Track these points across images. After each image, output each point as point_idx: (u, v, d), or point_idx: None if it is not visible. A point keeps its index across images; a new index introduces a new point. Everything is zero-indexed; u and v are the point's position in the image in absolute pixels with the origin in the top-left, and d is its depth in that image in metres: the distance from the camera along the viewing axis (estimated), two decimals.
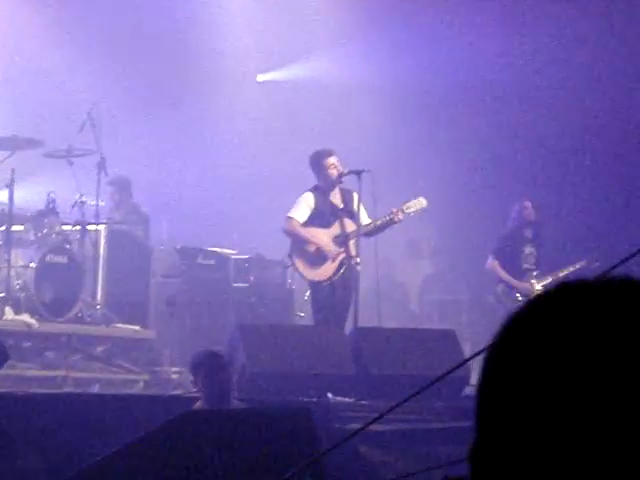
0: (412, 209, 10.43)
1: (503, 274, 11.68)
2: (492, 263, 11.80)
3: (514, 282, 11.62)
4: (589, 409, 1.06)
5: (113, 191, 12.30)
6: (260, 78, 16.17)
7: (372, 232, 10.36)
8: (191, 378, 7.55)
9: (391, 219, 10.31)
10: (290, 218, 10.31)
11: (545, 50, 14.30)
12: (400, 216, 10.31)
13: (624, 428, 1.05)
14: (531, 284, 11.65)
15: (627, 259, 3.49)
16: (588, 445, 1.05)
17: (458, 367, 4.86)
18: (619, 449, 1.05)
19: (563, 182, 14.29)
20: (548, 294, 1.16)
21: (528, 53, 14.38)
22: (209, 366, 7.35)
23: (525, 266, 11.76)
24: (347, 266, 10.29)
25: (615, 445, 1.05)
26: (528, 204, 11.88)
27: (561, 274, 11.54)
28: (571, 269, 11.67)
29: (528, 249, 11.82)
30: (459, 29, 14.55)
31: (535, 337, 1.12)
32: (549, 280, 11.48)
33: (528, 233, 11.86)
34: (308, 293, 10.81)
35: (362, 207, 10.31)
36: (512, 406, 1.10)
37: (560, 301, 1.14)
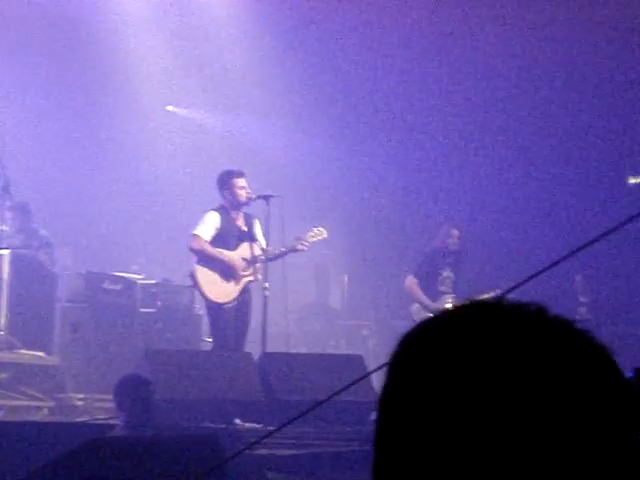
0: (314, 238, 10.51)
1: (419, 294, 11.66)
2: (411, 281, 11.74)
3: (428, 303, 11.58)
4: (474, 427, 1.07)
5: (13, 216, 12.13)
6: (170, 108, 16.15)
7: (272, 259, 10.38)
8: (115, 400, 7.60)
9: (294, 247, 10.36)
10: (196, 236, 10.18)
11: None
12: (303, 245, 10.37)
13: (509, 443, 1.06)
14: (445, 307, 11.71)
15: (531, 278, 3.59)
16: (477, 462, 1.07)
17: (347, 387, 4.89)
18: (509, 467, 1.06)
19: (482, 207, 14.43)
20: (437, 316, 1.18)
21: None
22: (132, 391, 7.40)
23: (441, 289, 11.78)
24: (248, 291, 10.29)
25: (505, 464, 1.06)
26: (455, 233, 11.81)
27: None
28: (486, 296, 11.71)
29: (446, 272, 11.82)
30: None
31: (423, 355, 1.13)
32: None
33: (449, 258, 11.85)
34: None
35: (261, 233, 10.33)
36: (405, 419, 1.11)
37: (449, 321, 1.16)
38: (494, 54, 14.14)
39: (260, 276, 10.26)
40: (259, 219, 10.38)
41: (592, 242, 3.99)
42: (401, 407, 1.12)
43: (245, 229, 10.34)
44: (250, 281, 10.27)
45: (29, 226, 12.35)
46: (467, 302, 1.19)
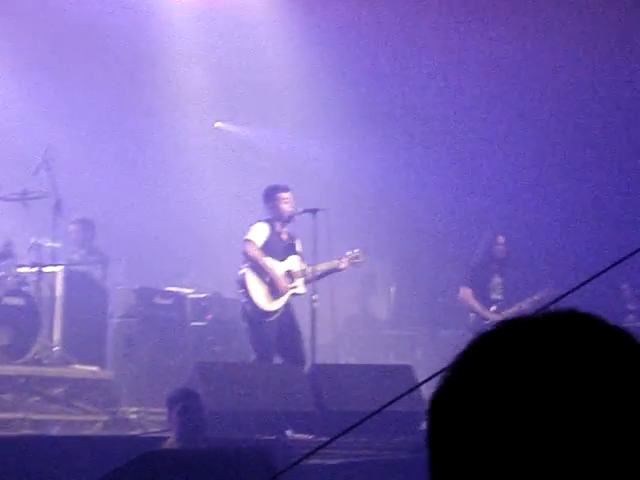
0: (354, 260, 10.80)
1: (475, 304, 11.64)
2: (465, 292, 11.74)
3: (486, 313, 11.56)
4: (527, 449, 1.09)
5: (77, 229, 12.32)
6: (218, 124, 16.30)
7: (317, 277, 10.52)
8: (166, 413, 7.73)
9: (337, 266, 10.58)
10: (251, 241, 10.37)
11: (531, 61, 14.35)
12: (344, 265, 10.62)
13: (569, 461, 1.08)
14: (500, 315, 11.70)
15: (578, 287, 3.61)
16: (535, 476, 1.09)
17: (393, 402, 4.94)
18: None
19: (530, 213, 14.40)
20: (492, 335, 1.19)
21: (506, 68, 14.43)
22: (184, 404, 7.52)
23: (493, 296, 11.76)
24: (290, 304, 10.43)
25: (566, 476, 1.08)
26: (501, 239, 11.84)
27: (523, 305, 11.54)
28: (535, 298, 11.65)
29: (496, 279, 11.81)
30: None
31: (477, 379, 1.15)
32: (514, 310, 11.45)
33: (496, 264, 11.85)
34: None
35: (301, 252, 10.50)
36: (459, 448, 1.13)
37: (499, 341, 1.17)
38: (529, 49, 14.12)
39: (304, 289, 10.42)
40: (301, 239, 10.59)
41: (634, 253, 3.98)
42: (464, 416, 1.14)
43: (291, 243, 10.56)
44: (295, 294, 10.43)
45: (91, 242, 12.51)
46: (524, 315, 1.21)
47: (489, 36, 14.06)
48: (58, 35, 14.32)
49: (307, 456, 4.05)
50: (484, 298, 11.66)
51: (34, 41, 14.34)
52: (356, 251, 10.84)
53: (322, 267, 10.54)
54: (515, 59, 14.12)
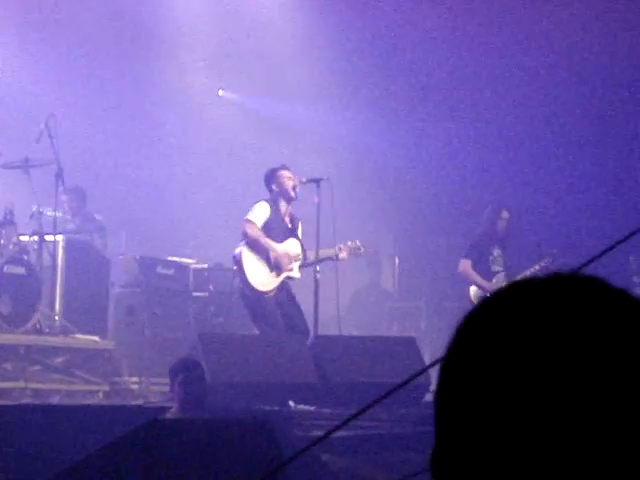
0: (355, 252, 10.73)
1: (475, 276, 11.59)
2: (465, 264, 11.69)
3: (485, 284, 11.52)
4: (539, 410, 1.06)
5: (68, 200, 12.27)
6: (221, 93, 16.18)
7: (313, 263, 10.44)
8: (169, 383, 7.73)
9: (336, 254, 10.54)
10: (251, 221, 10.26)
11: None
12: (344, 255, 10.53)
13: (577, 429, 1.05)
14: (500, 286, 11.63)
15: (594, 259, 3.53)
16: (544, 445, 1.05)
17: (420, 374, 4.89)
18: (577, 451, 1.04)
19: (532, 182, 14.34)
20: (497, 296, 1.17)
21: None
22: (186, 374, 7.52)
23: (493, 268, 11.72)
24: (286, 284, 10.34)
25: (573, 446, 1.05)
26: (505, 214, 11.77)
27: (527, 273, 11.51)
28: (537, 267, 11.62)
29: (497, 251, 11.77)
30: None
31: (484, 340, 1.12)
32: None
33: (498, 236, 11.80)
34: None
35: (301, 236, 10.44)
36: (468, 409, 1.10)
37: (509, 302, 1.14)
38: (542, 40, 14.04)
39: (298, 274, 10.34)
40: (303, 222, 10.49)
41: None
42: (467, 394, 1.11)
43: (290, 226, 10.45)
44: (290, 277, 10.35)
45: (84, 210, 12.49)
46: (522, 280, 1.18)
47: (497, 11, 13.96)
48: (61, 2, 14.21)
49: (334, 431, 3.88)
50: (484, 270, 11.62)
51: (37, 9, 14.24)
52: (357, 242, 10.74)
53: (321, 254, 10.44)
54: (524, 35, 14.01)
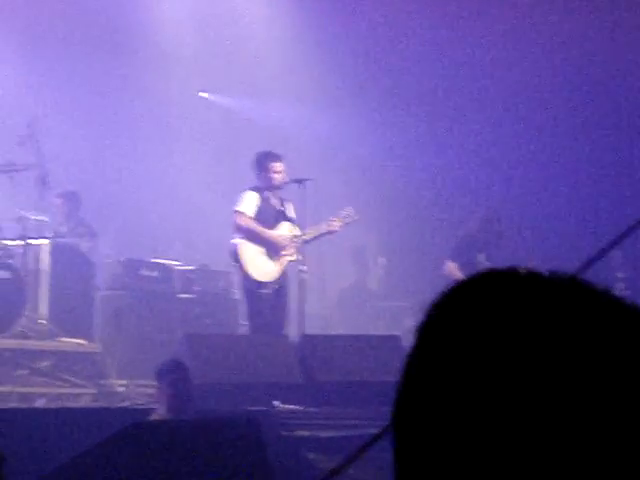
0: (345, 220, 10.53)
1: (461, 277, 11.50)
2: (450, 266, 11.68)
3: None
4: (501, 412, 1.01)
5: (61, 203, 12.25)
6: (205, 95, 16.17)
7: (309, 241, 10.42)
8: (155, 385, 7.73)
9: (328, 229, 10.38)
10: (241, 212, 10.18)
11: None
12: (336, 226, 10.40)
13: (546, 430, 0.99)
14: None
15: (589, 264, 3.51)
16: (509, 445, 1.00)
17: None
18: (548, 452, 0.99)
19: (519, 187, 14.34)
20: (465, 283, 1.12)
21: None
22: (172, 375, 7.53)
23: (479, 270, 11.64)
24: (286, 272, 10.32)
25: (543, 448, 0.99)
26: (495, 217, 11.77)
27: None
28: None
29: (482, 255, 11.72)
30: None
31: (450, 322, 1.07)
32: None
33: (486, 240, 11.77)
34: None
35: (294, 216, 10.36)
36: (427, 388, 1.05)
37: (477, 290, 1.09)
38: (528, 43, 14.06)
39: (300, 256, 10.29)
40: (293, 202, 10.41)
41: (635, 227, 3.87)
42: (423, 374, 1.06)
43: (282, 209, 10.37)
44: (291, 261, 10.30)
45: (77, 215, 12.45)
46: (494, 271, 1.12)
47: (489, 10, 13.98)
48: (45, 5, 14.19)
49: (370, 444, 3.64)
50: (469, 272, 11.53)
51: (19, 12, 14.21)
52: (348, 209, 10.60)
53: (314, 231, 10.38)
54: (513, 31, 14.03)
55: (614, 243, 3.84)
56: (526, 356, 1.01)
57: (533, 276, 1.10)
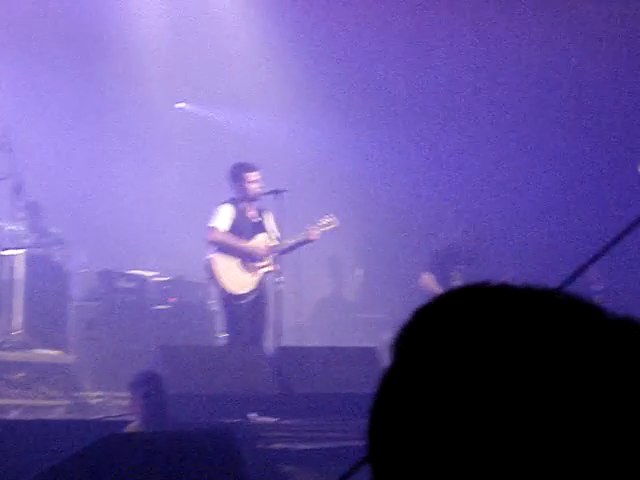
0: (326, 228, 10.46)
1: (437, 289, 11.50)
2: (427, 278, 11.64)
3: None
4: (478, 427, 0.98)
5: (25, 216, 12.19)
6: (182, 105, 16.14)
7: (287, 250, 10.38)
8: (129, 397, 7.67)
9: (307, 237, 10.33)
10: (214, 228, 10.13)
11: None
12: (315, 234, 10.33)
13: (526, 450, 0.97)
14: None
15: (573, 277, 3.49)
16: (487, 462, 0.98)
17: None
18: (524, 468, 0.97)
19: (494, 200, 14.35)
20: (442, 298, 1.09)
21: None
22: (147, 387, 7.47)
23: (455, 283, 11.67)
24: (264, 283, 10.28)
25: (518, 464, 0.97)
26: (473, 233, 11.78)
27: None
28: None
29: (460, 267, 11.70)
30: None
31: (424, 337, 1.05)
32: None
33: (464, 254, 11.77)
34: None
35: (274, 225, 10.32)
36: (402, 402, 1.02)
37: (453, 305, 1.07)
38: (512, 47, 14.10)
39: (277, 267, 10.25)
40: (271, 212, 10.39)
41: (616, 241, 3.86)
42: (398, 390, 1.03)
43: (259, 220, 10.33)
44: (268, 272, 10.27)
45: (41, 225, 12.42)
46: (469, 285, 1.09)
47: (477, 17, 14.01)
48: (19, 15, 14.14)
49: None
50: (444, 286, 11.53)
51: None
52: (330, 216, 10.49)
53: (290, 241, 10.33)
54: (502, 44, 14.07)
55: (596, 258, 3.82)
56: (505, 372, 0.99)
57: (508, 290, 1.06)
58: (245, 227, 10.23)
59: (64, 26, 14.32)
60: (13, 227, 11.31)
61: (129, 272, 12.38)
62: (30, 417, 9.63)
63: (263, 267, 10.24)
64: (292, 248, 10.39)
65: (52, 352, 11.05)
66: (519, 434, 0.97)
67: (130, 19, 14.85)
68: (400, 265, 14.54)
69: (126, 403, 8.77)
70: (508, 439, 0.97)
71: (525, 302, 1.04)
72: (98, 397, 10.87)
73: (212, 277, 10.24)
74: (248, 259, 10.18)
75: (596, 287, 12.18)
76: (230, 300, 10.15)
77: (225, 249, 10.15)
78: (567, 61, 13.87)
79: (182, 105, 16.16)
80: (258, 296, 10.19)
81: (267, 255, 10.25)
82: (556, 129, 14.22)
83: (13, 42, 14.28)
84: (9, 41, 14.26)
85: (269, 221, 10.36)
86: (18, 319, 11.13)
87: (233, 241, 10.13)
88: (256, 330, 10.14)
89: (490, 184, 14.51)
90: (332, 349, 10.58)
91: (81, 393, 10.95)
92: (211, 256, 10.19)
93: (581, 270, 3.62)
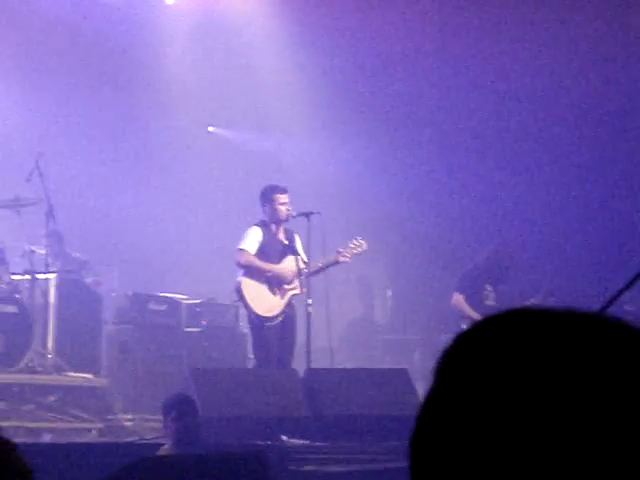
0: (355, 250, 10.51)
1: (469, 310, 11.47)
2: (458, 298, 11.61)
3: (478, 318, 11.32)
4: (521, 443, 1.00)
5: (50, 243, 12.27)
6: (211, 129, 16.23)
7: (316, 272, 10.42)
8: (162, 419, 7.72)
9: (336, 260, 10.39)
10: (243, 250, 10.21)
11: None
12: (345, 257, 10.40)
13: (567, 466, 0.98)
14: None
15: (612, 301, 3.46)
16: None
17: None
18: None
19: (525, 221, 14.32)
20: (482, 323, 1.10)
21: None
22: (179, 410, 7.51)
23: (487, 302, 11.63)
24: (292, 306, 10.33)
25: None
26: (505, 252, 11.79)
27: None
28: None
29: (490, 286, 11.66)
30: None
31: (468, 361, 1.06)
32: None
33: (494, 272, 11.74)
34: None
35: (302, 248, 10.38)
36: (445, 424, 1.04)
37: (495, 329, 1.07)
38: (531, 65, 14.10)
39: (305, 290, 10.30)
40: (299, 235, 10.45)
41: None
42: (442, 412, 1.05)
43: (287, 243, 10.40)
44: (295, 294, 10.32)
45: (64, 251, 12.53)
46: (510, 310, 1.10)
47: (484, 31, 14.01)
48: (50, 41, 14.27)
49: None
50: (477, 305, 11.52)
51: (26, 48, 14.29)
52: (359, 239, 10.55)
53: (320, 263, 10.39)
54: (509, 56, 14.07)
55: (637, 278, 3.79)
56: (551, 399, 0.99)
57: (550, 315, 1.07)
58: (274, 249, 10.30)
59: (94, 53, 14.45)
60: (44, 251, 11.40)
61: (160, 295, 12.44)
62: (63, 440, 9.68)
63: (291, 290, 10.29)
64: (321, 270, 10.44)
65: (85, 375, 11.10)
66: (566, 468, 0.98)
67: (159, 44, 14.96)
68: (430, 286, 14.53)
69: (158, 426, 8.82)
70: (554, 469, 0.98)
71: (568, 328, 1.04)
72: (130, 420, 10.91)
73: (241, 299, 10.33)
74: (276, 282, 10.24)
75: (629, 307, 12.12)
76: (258, 322, 10.22)
77: (253, 271, 10.22)
78: (577, 67, 13.84)
79: (213, 129, 16.25)
80: (286, 318, 10.24)
81: (296, 278, 10.30)
82: (587, 141, 14.16)
83: (44, 69, 14.42)
84: (41, 68, 14.41)
85: (297, 243, 10.42)
86: (50, 342, 11.21)
87: (260, 264, 10.20)
88: (284, 352, 10.18)
89: (518, 203, 14.48)
90: (362, 370, 10.59)
91: (114, 416, 10.99)
92: (240, 278, 10.27)
93: (622, 292, 3.60)
